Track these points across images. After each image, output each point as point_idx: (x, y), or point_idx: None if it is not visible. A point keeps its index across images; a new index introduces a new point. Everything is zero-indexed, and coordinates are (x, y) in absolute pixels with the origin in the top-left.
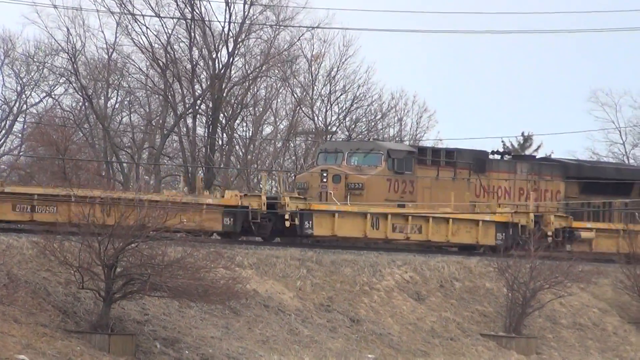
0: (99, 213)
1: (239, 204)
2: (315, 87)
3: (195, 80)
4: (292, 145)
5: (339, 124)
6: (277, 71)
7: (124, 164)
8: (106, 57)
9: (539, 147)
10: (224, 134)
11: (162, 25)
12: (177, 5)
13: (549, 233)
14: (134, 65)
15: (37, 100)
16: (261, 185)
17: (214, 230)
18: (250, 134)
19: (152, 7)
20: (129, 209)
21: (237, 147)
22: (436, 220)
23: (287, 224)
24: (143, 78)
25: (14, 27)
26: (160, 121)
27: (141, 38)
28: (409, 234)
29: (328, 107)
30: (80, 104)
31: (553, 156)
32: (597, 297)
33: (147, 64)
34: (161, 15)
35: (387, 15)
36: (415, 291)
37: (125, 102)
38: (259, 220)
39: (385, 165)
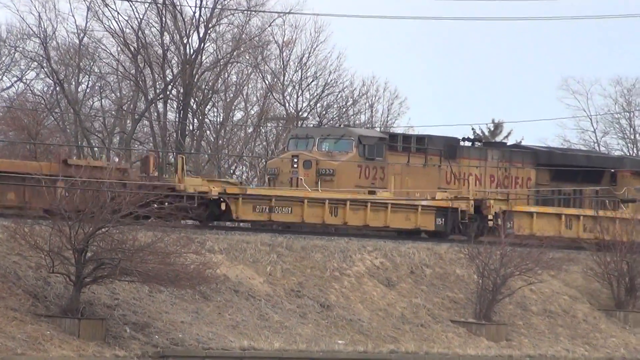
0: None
1: (450, 205)
2: (286, 73)
3: (166, 65)
4: (263, 131)
5: (310, 110)
6: (248, 57)
7: (95, 149)
8: (77, 41)
9: (509, 134)
10: (195, 119)
11: (133, 10)
12: None
13: None
14: (105, 50)
15: (8, 85)
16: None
17: (427, 230)
18: (221, 120)
19: None
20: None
21: (208, 132)
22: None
23: (490, 224)
24: (114, 63)
25: None
26: (131, 106)
27: (112, 23)
28: (597, 234)
29: (299, 93)
30: (52, 88)
31: (524, 143)
32: (567, 284)
33: (118, 48)
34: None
35: (359, 1)
36: (386, 277)
37: (97, 87)
38: (466, 221)
39: (356, 151)
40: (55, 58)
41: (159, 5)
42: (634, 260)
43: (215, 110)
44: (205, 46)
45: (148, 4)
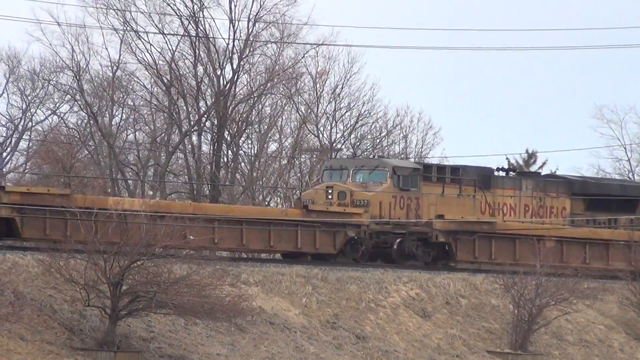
0: None
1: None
2: (320, 104)
3: (200, 97)
4: (297, 162)
5: (344, 141)
6: (281, 88)
7: (130, 181)
8: (110, 74)
9: (544, 164)
10: (229, 151)
11: (166, 42)
12: (181, 22)
13: None
14: (139, 82)
15: (42, 118)
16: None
17: None
18: (256, 151)
19: (155, 25)
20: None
21: (242, 164)
22: None
23: None
24: (148, 95)
25: (19, 44)
26: (166, 138)
27: (145, 55)
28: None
29: (333, 124)
30: (85, 121)
31: (558, 173)
32: (603, 314)
33: (152, 81)
34: (165, 32)
35: (392, 32)
36: (421, 308)
37: (130, 120)
38: None
39: (391, 182)
40: (88, 91)
41: (192, 37)
42: None
43: (250, 141)
44: (239, 78)
45: (181, 36)
